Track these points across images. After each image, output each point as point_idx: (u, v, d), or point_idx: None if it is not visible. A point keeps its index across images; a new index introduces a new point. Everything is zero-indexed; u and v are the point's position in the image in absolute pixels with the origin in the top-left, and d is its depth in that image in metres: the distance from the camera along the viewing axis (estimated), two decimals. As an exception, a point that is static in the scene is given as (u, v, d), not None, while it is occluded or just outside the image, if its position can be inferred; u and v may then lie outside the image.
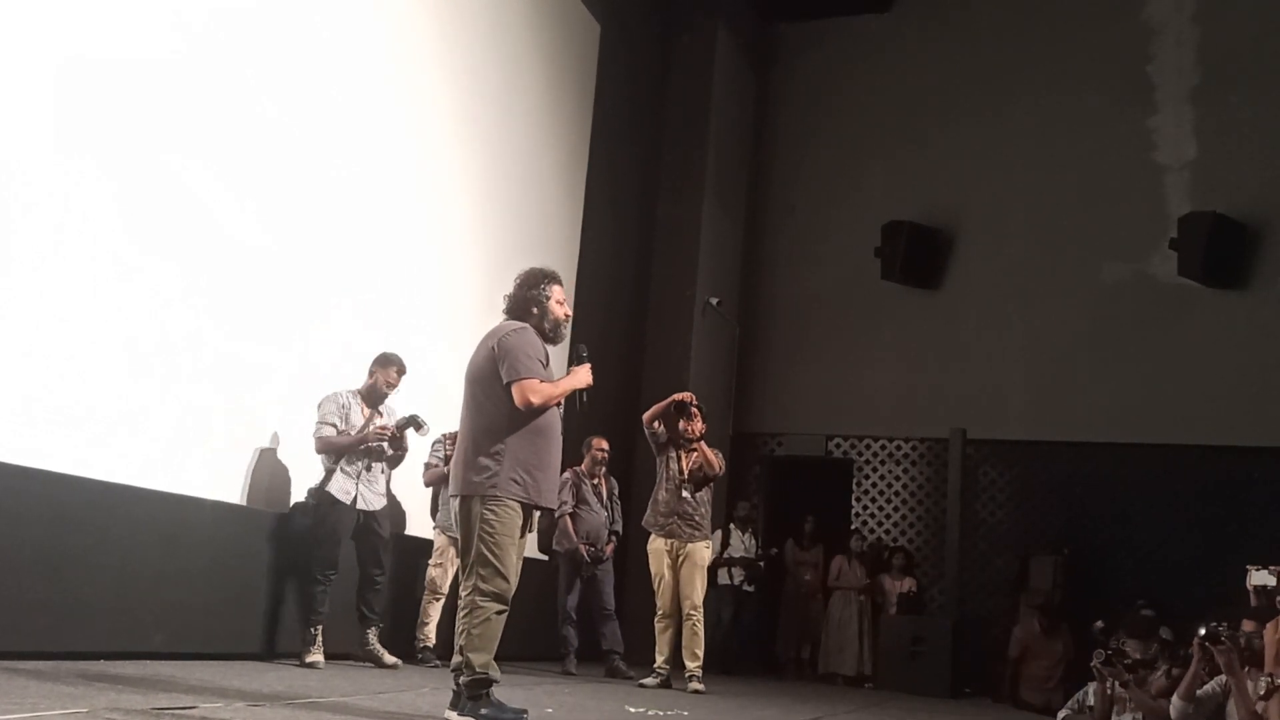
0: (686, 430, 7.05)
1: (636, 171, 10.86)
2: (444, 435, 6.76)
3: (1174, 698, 4.56)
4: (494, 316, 4.49)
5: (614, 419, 8.73)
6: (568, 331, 4.47)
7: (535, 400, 4.12)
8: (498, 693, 4.06)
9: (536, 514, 4.26)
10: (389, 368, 6.25)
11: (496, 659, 4.06)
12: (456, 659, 4.03)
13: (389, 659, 6.17)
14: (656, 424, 7.07)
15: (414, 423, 6.25)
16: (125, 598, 4.99)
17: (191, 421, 5.51)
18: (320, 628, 5.91)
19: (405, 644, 6.81)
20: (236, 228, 5.85)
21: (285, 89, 6.23)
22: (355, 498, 6.04)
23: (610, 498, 7.89)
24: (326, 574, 5.96)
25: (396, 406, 6.34)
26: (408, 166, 7.40)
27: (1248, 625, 4.33)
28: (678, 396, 7.10)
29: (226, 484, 5.67)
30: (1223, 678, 4.26)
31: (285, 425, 6.19)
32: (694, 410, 7.05)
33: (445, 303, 7.74)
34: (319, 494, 6.03)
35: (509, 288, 4.46)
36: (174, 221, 5.44)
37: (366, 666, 6.04)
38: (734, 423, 11.18)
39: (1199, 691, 4.45)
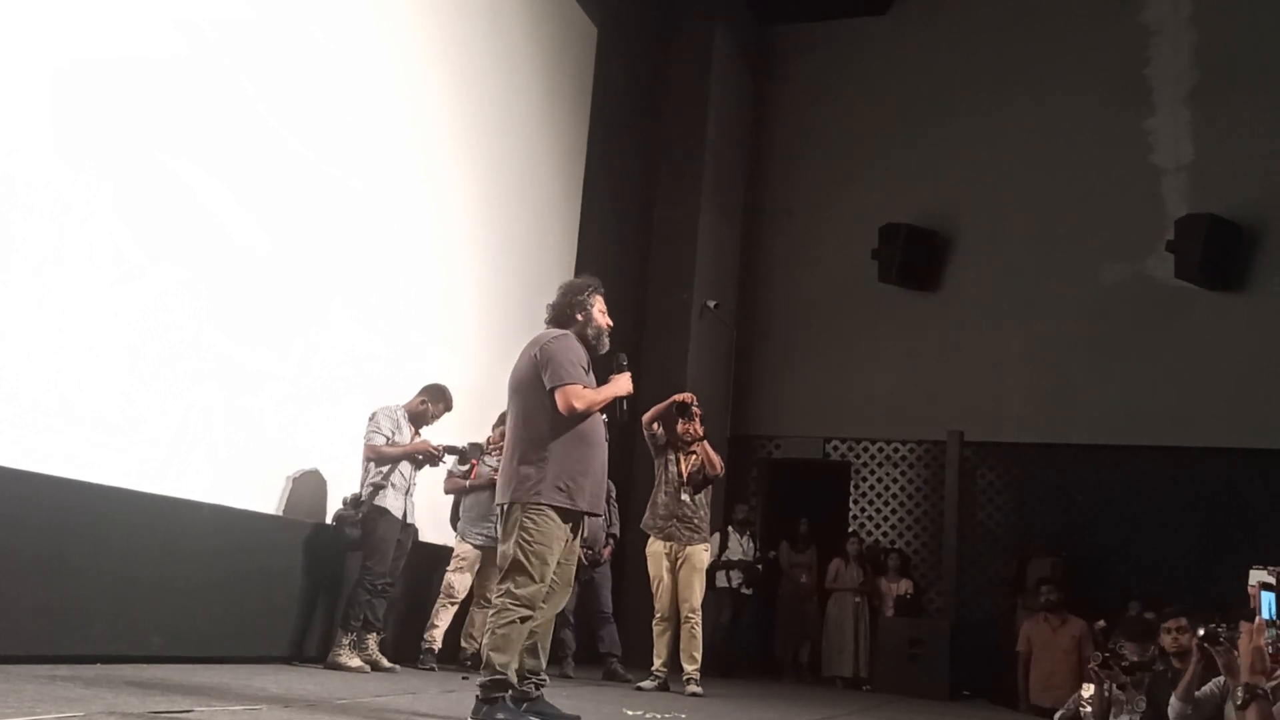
0: (686, 432, 7.05)
1: (634, 174, 10.86)
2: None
3: (1172, 698, 4.56)
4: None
5: (612, 425, 8.71)
6: (609, 341, 4.47)
7: (579, 406, 4.13)
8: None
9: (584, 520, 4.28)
10: (440, 404, 6.56)
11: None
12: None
13: (386, 664, 6.21)
14: (656, 425, 7.06)
15: (462, 454, 6.70)
16: (123, 601, 4.99)
17: (193, 424, 5.51)
18: (374, 635, 6.18)
19: (410, 648, 6.82)
20: (237, 230, 5.86)
21: (285, 92, 6.23)
22: (405, 512, 6.32)
23: (608, 501, 7.87)
24: (381, 584, 6.14)
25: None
26: (406, 170, 7.41)
27: (1245, 626, 4.33)
28: (679, 397, 7.08)
29: (227, 487, 5.67)
30: (1221, 679, 4.26)
31: (286, 428, 6.20)
32: (695, 410, 7.04)
33: (444, 304, 7.76)
34: (368, 506, 6.16)
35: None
36: (175, 225, 5.44)
37: (365, 670, 6.05)
38: (731, 425, 11.20)
39: (1197, 693, 4.46)
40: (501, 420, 6.90)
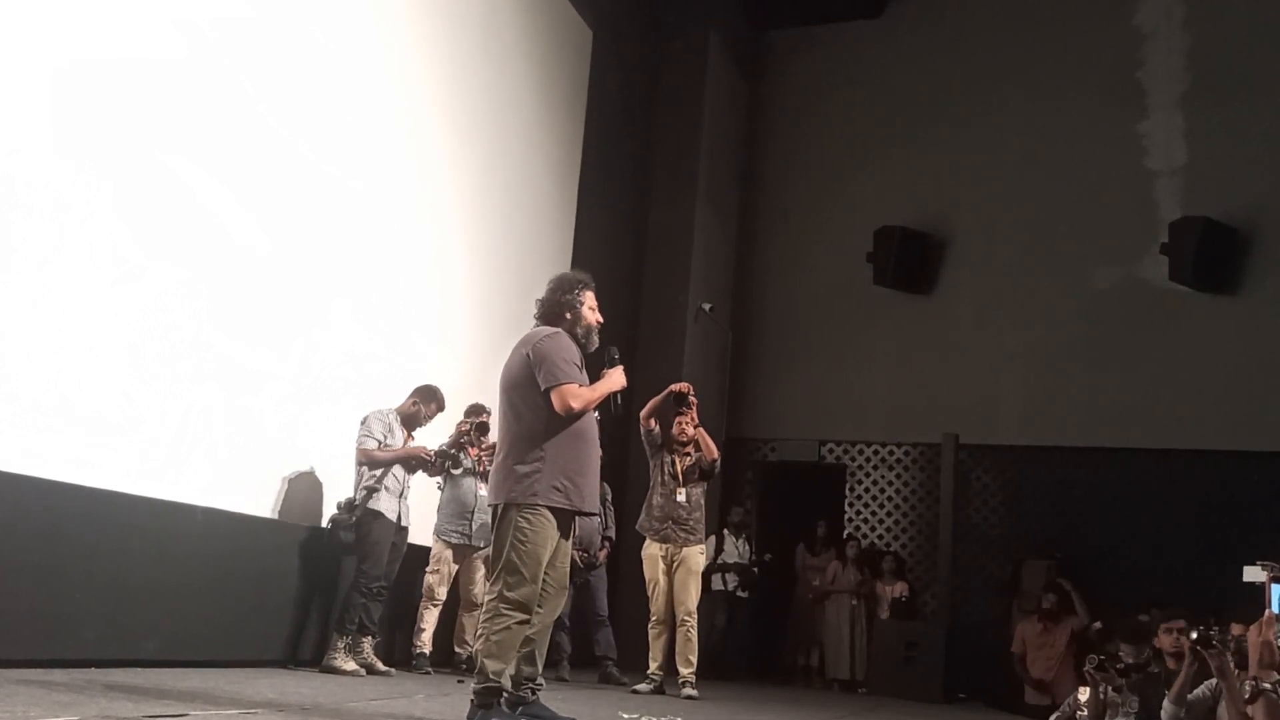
0: (680, 431, 7.05)
1: (629, 177, 10.87)
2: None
3: (1165, 701, 4.56)
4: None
5: (606, 424, 8.71)
6: (599, 338, 4.41)
7: (575, 405, 4.08)
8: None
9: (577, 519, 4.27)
10: (433, 404, 6.55)
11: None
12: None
13: (382, 668, 6.21)
14: (653, 422, 7.04)
15: (454, 459, 6.68)
16: (116, 605, 4.98)
17: (192, 425, 5.51)
18: (369, 639, 6.20)
19: (401, 651, 6.81)
20: (237, 230, 5.86)
21: (284, 93, 6.24)
22: (399, 515, 6.32)
23: (603, 503, 7.87)
24: (375, 587, 6.14)
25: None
26: (403, 171, 7.41)
27: (1237, 628, 4.34)
28: (675, 387, 7.01)
29: (226, 488, 5.66)
30: (1213, 681, 4.27)
31: (286, 428, 6.20)
32: (692, 400, 7.02)
33: (442, 305, 7.78)
34: (362, 509, 6.16)
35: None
36: (174, 225, 5.44)
37: (360, 673, 6.05)
38: (727, 428, 11.19)
39: (1190, 695, 4.46)
40: (472, 413, 6.91)
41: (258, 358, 5.96)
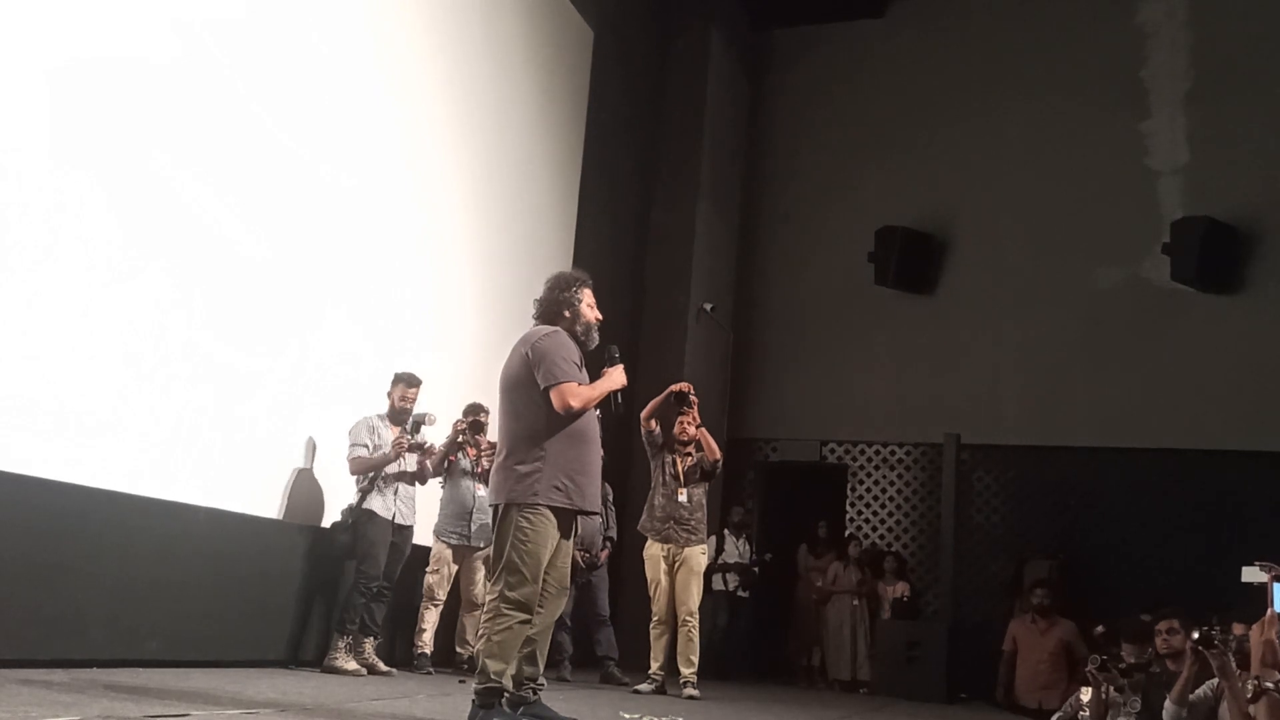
0: (681, 431, 7.05)
1: (631, 177, 10.87)
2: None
3: (1167, 701, 4.57)
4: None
5: (608, 424, 8.71)
6: (598, 335, 4.39)
7: (574, 404, 4.07)
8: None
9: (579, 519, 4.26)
10: (399, 384, 6.54)
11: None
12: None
13: (383, 668, 6.22)
14: (654, 423, 7.04)
15: (420, 422, 6.55)
16: (119, 605, 4.98)
17: (187, 427, 5.50)
18: (371, 639, 6.22)
19: (402, 651, 6.81)
20: (231, 233, 5.85)
21: (281, 95, 6.23)
22: (394, 514, 6.33)
23: (605, 504, 7.87)
24: (374, 587, 6.17)
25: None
26: (402, 172, 7.41)
27: (1238, 629, 4.35)
28: (676, 387, 7.00)
29: (223, 490, 5.67)
30: (1215, 681, 4.27)
31: (283, 430, 6.20)
32: (693, 399, 7.01)
33: (439, 307, 7.77)
34: (357, 511, 6.19)
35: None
36: (169, 227, 5.44)
37: (362, 674, 6.06)
38: (728, 428, 11.19)
39: (1191, 696, 4.47)
40: (470, 413, 6.90)
41: (254, 359, 5.96)
